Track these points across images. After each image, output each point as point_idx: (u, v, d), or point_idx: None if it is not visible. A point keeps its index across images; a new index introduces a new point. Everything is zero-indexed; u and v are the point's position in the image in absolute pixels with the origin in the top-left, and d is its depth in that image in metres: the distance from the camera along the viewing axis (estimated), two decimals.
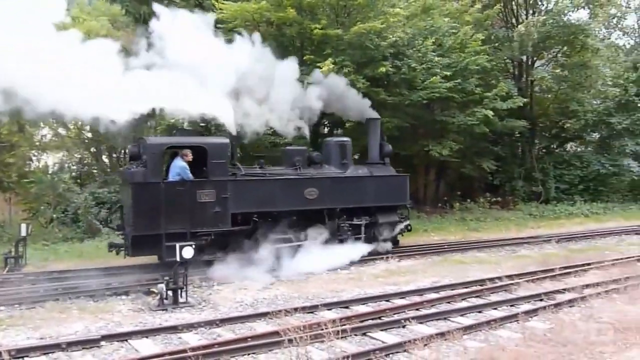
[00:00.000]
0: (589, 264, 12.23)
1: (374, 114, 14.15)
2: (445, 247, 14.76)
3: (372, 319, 8.38)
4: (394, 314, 8.70)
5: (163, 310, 9.04)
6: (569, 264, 12.27)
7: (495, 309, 9.13)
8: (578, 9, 22.74)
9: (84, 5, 17.74)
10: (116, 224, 12.25)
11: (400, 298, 9.79)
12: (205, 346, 6.96)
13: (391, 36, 16.39)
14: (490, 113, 18.32)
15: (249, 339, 7.26)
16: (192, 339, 7.59)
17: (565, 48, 23.09)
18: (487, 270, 11.98)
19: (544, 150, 25.78)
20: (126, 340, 7.51)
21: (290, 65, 12.60)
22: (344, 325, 7.71)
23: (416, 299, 9.67)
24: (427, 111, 18.18)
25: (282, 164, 13.01)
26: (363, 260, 12.98)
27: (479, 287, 10.37)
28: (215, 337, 7.62)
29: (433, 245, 15.21)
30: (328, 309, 9.00)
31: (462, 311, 8.90)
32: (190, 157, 11.40)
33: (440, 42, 18.02)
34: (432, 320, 8.48)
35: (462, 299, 9.72)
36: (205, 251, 11.30)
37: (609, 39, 29.63)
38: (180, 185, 11.09)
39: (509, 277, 11.00)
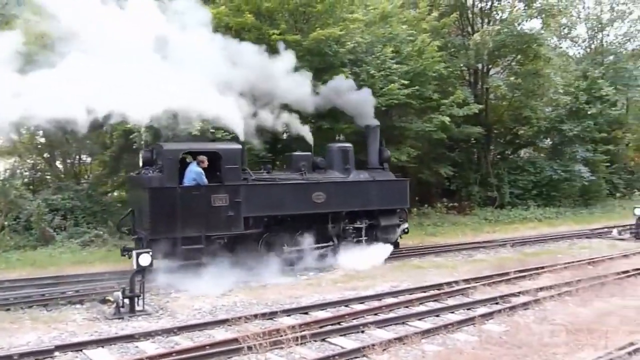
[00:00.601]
0: (542, 268, 12.51)
1: (374, 121, 14.56)
2: (404, 252, 14.89)
3: (331, 325, 8.40)
4: (353, 319, 8.75)
5: (119, 318, 8.87)
6: (524, 267, 12.53)
7: (452, 312, 9.27)
8: (531, 19, 23.33)
9: None
10: (127, 228, 12.47)
11: (359, 303, 9.84)
12: (163, 355, 6.87)
13: (350, 43, 16.51)
14: (447, 119, 18.62)
15: (208, 347, 7.19)
16: (150, 347, 7.47)
17: (519, 57, 23.64)
18: (444, 275, 12.15)
19: (498, 156, 26.31)
20: (81, 350, 7.34)
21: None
22: (303, 331, 7.72)
23: (375, 304, 9.73)
24: (386, 117, 18.31)
25: (288, 169, 13.42)
26: (321, 267, 13.02)
27: (437, 292, 10.52)
28: (173, 346, 7.51)
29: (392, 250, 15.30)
30: (287, 315, 8.99)
31: (420, 315, 9.01)
32: (206, 164, 11.69)
33: (398, 49, 18.23)
34: (390, 324, 8.55)
35: (420, 303, 9.83)
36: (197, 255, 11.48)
37: (561, 48, 30.50)
38: (195, 190, 11.41)
39: (466, 281, 11.15)
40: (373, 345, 7.22)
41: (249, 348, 6.94)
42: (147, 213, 11.01)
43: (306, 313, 9.21)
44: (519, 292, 10.32)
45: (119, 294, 9.03)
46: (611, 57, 30.25)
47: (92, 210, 16.59)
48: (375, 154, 14.50)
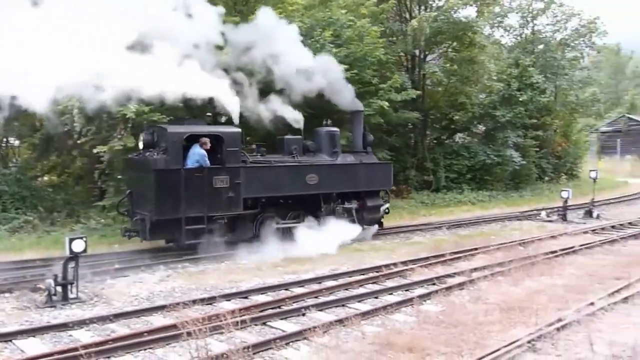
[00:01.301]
0: (476, 249, 12.89)
1: (360, 107, 15.25)
2: None
3: (272, 309, 8.40)
4: (294, 302, 8.78)
5: (51, 307, 8.56)
6: (459, 249, 12.89)
7: (391, 294, 9.44)
8: (466, 7, 23.79)
9: None
10: (124, 209, 12.68)
11: (300, 287, 9.88)
12: (99, 343, 6.68)
13: None
14: (385, 104, 18.76)
15: (146, 334, 7.06)
16: (84, 336, 7.26)
17: (454, 44, 24.05)
18: (383, 257, 12.34)
19: (435, 141, 26.78)
20: (10, 340, 7.06)
21: None
22: (244, 315, 7.68)
23: (315, 287, 9.78)
24: (325, 101, 18.31)
25: (279, 151, 13.79)
26: (262, 250, 12.97)
27: (376, 274, 10.69)
28: (109, 334, 7.33)
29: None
30: (227, 300, 8.93)
31: (360, 297, 9.13)
32: (208, 145, 12.10)
33: (338, 33, 18.21)
34: (331, 307, 8.63)
35: (360, 286, 9.97)
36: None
37: (494, 36, 31.26)
38: (198, 171, 11.81)
39: (404, 263, 11.38)
40: (314, 327, 7.26)
41: (189, 334, 6.83)
42: (152, 194, 11.42)
43: (246, 297, 9.18)
44: (455, 273, 10.61)
45: (51, 281, 8.72)
46: (541, 46, 31.26)
47: (21, 195, 15.85)
48: (359, 138, 15.17)
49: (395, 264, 11.25)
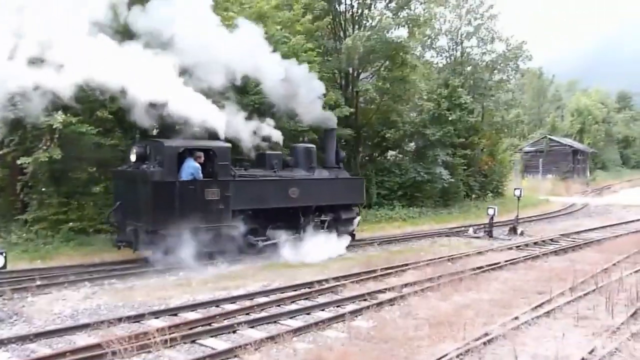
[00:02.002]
0: (406, 265, 13.10)
1: (333, 125, 16.26)
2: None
3: (202, 326, 8.22)
4: (225, 319, 8.63)
5: None
6: (390, 265, 13.04)
7: (323, 310, 9.42)
8: (398, 27, 24.33)
9: None
10: (113, 220, 12.92)
11: (231, 303, 9.74)
12: None
13: None
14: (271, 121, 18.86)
15: (68, 354, 6.75)
16: (1, 357, 6.86)
17: (387, 63, 24.52)
18: (315, 273, 12.32)
19: (367, 158, 27.12)
20: None
21: None
22: (172, 333, 7.49)
23: (246, 303, 9.66)
24: (257, 116, 18.25)
25: (261, 166, 14.41)
26: (193, 266, 12.75)
27: (308, 290, 10.66)
28: (29, 354, 6.98)
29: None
30: (155, 317, 8.68)
31: (291, 314, 9.07)
32: (202, 159, 12.77)
33: (274, 48, 18.21)
34: (262, 324, 8.53)
35: (292, 302, 9.91)
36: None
37: (425, 57, 32.13)
38: (191, 184, 12.36)
39: (336, 279, 11.41)
40: (245, 345, 7.17)
41: (114, 353, 6.60)
42: (149, 205, 11.90)
43: (175, 314, 8.95)
44: (386, 289, 10.71)
45: None
46: (469, 68, 32.37)
47: None
48: (332, 154, 16.08)
49: (327, 280, 11.27)
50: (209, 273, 12.23)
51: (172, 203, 12.01)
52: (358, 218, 16.38)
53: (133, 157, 12.69)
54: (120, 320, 8.31)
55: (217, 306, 9.54)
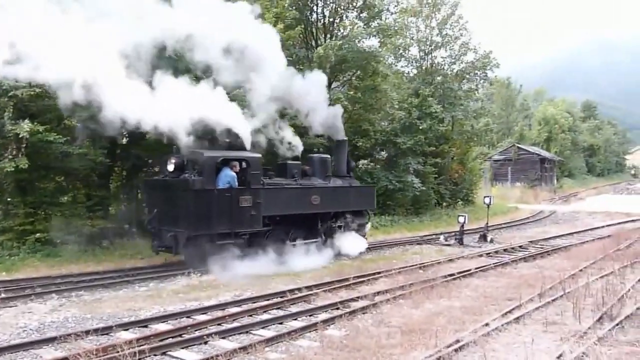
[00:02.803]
0: (379, 273, 13.14)
1: (344, 136, 17.31)
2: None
3: (173, 337, 8.11)
4: (196, 330, 8.52)
5: None
6: (362, 273, 13.07)
7: (295, 319, 9.38)
8: (370, 37, 24.52)
9: None
10: (150, 227, 13.38)
11: (202, 314, 9.64)
12: None
13: None
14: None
15: None
16: None
17: (358, 72, 24.68)
18: (287, 282, 12.28)
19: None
20: None
21: None
22: (142, 345, 7.38)
23: (218, 313, 9.58)
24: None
25: (282, 175, 15.21)
26: (163, 276, 12.64)
27: (280, 299, 10.61)
28: None
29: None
30: (125, 330, 8.54)
31: (264, 324, 9.01)
32: (238, 168, 13.62)
33: None
34: (234, 334, 8.47)
35: (264, 312, 9.85)
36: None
37: (396, 66, 32.40)
38: (227, 192, 13.12)
39: (308, 288, 11.38)
40: (216, 356, 7.10)
41: None
42: (190, 212, 12.57)
43: (145, 326, 8.81)
44: (358, 297, 10.73)
45: None
46: (439, 78, 32.74)
47: None
48: (344, 164, 17.06)
49: (299, 289, 11.23)
50: (180, 283, 12.10)
51: (210, 210, 12.77)
52: (369, 224, 17.78)
53: (171, 167, 13.33)
54: (88, 333, 8.14)
55: (188, 317, 9.43)
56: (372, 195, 17.79)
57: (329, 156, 16.94)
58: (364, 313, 9.77)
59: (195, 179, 12.73)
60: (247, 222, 13.43)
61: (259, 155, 14.15)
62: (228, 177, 13.27)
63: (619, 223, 26.64)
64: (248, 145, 14.03)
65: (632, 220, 27.86)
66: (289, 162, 15.62)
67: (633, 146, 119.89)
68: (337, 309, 10.00)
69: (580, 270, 13.49)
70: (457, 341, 7.80)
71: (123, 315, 9.46)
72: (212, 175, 13.01)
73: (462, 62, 32.82)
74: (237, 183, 13.36)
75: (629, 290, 10.96)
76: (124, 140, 16.31)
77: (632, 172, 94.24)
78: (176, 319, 9.29)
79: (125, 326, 8.67)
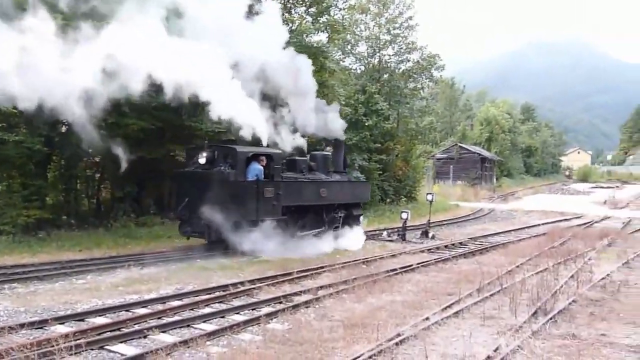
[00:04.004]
0: (322, 267, 13.19)
1: (342, 136, 18.59)
2: (190, 253, 14.64)
3: (111, 331, 7.91)
4: (135, 324, 8.34)
5: None
6: (306, 267, 13.06)
7: (238, 313, 9.32)
8: (318, 32, 24.55)
9: None
10: (182, 215, 14.72)
11: (142, 307, 9.43)
12: None
13: None
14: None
15: None
16: None
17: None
18: (230, 276, 12.18)
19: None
20: None
21: None
22: (79, 339, 7.16)
23: (159, 307, 9.41)
24: (176, 116, 17.86)
25: (292, 170, 16.44)
26: (102, 269, 12.33)
27: (223, 293, 10.49)
28: None
29: (177, 251, 14.98)
30: (60, 323, 8.27)
31: (205, 317, 8.91)
32: (264, 162, 15.08)
33: None
34: (175, 328, 8.33)
35: (206, 305, 9.73)
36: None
37: (344, 62, 32.58)
38: (255, 183, 14.65)
39: (251, 281, 11.30)
40: (156, 350, 6.96)
41: None
42: (224, 201, 13.88)
43: (82, 320, 8.56)
44: (301, 291, 10.74)
45: None
46: (386, 76, 33.14)
47: None
48: (341, 161, 18.67)
49: (242, 283, 11.15)
50: (119, 276, 11.82)
51: (241, 199, 14.29)
52: (362, 216, 19.41)
53: (202, 160, 14.64)
54: (22, 326, 7.85)
55: (128, 311, 9.22)
56: (368, 189, 19.94)
57: (329, 153, 18.68)
58: (307, 307, 9.78)
59: (229, 171, 14.20)
60: (270, 211, 14.96)
61: (281, 151, 15.81)
62: (256, 170, 14.80)
63: (554, 222, 27.58)
64: (265, 142, 15.34)
65: (566, 219, 28.92)
66: (297, 158, 17.01)
67: (568, 148, 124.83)
68: (280, 303, 9.98)
69: (517, 267, 13.91)
70: (398, 335, 7.91)
71: (59, 308, 9.17)
72: (243, 169, 14.56)
73: (408, 61, 33.27)
74: (263, 176, 14.85)
75: (562, 286, 11.36)
76: (64, 129, 15.78)
77: (567, 173, 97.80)
78: (115, 312, 9.07)
79: (61, 320, 8.39)
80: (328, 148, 18.81)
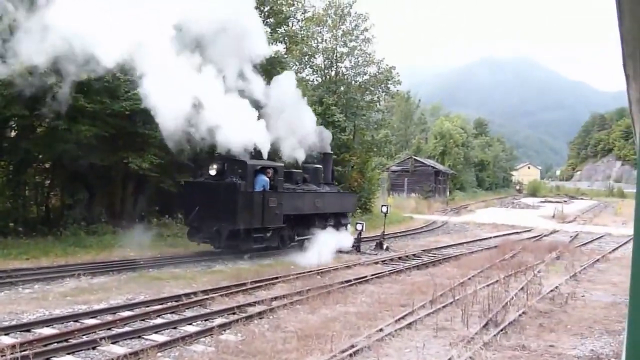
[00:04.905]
0: (277, 278, 13.14)
1: (330, 150, 20.79)
2: (142, 263, 14.37)
3: (58, 342, 7.70)
4: (84, 335, 8.15)
5: None
6: (260, 278, 12.99)
7: (190, 324, 9.21)
8: (276, 43, 24.59)
9: None
10: (191, 222, 15.85)
11: (91, 318, 9.23)
12: None
13: None
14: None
15: None
16: None
17: (264, 77, 24.61)
18: (182, 286, 12.02)
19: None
20: None
21: None
22: (25, 350, 6.93)
23: (109, 318, 9.22)
24: (129, 122, 17.56)
25: (288, 181, 17.73)
26: (50, 278, 11.98)
27: (175, 303, 10.35)
28: None
29: (128, 261, 14.67)
30: (5, 334, 8.00)
31: (157, 328, 8.77)
32: (271, 174, 16.44)
33: None
34: (125, 339, 8.18)
35: (158, 316, 9.58)
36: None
37: (301, 74, 32.66)
38: (261, 194, 15.91)
39: (204, 292, 11.18)
40: None
41: None
42: (235, 210, 15.24)
43: (28, 330, 8.30)
44: (255, 302, 10.69)
45: None
46: (343, 87, 33.37)
47: None
48: (329, 174, 20.33)
49: (195, 293, 11.02)
50: (68, 286, 11.53)
51: (249, 208, 15.47)
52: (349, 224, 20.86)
53: (213, 172, 15.88)
54: None
55: (76, 321, 9.00)
56: (354, 200, 21.88)
57: (320, 166, 19.85)
58: (260, 318, 9.73)
59: (240, 182, 15.45)
60: (273, 219, 16.31)
61: (283, 164, 17.51)
62: (263, 181, 16.13)
63: (505, 234, 28.18)
64: (265, 155, 16.72)
65: (517, 232, 29.61)
66: (293, 170, 18.48)
67: (518, 163, 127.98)
68: (234, 313, 9.90)
69: (469, 279, 14.15)
70: (352, 346, 7.93)
71: (3, 318, 8.88)
72: (252, 180, 15.83)
73: (365, 74, 33.60)
74: (268, 187, 16.13)
75: (512, 298, 11.62)
76: (12, 134, 15.34)
77: (517, 187, 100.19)
78: (62, 323, 8.84)
79: (6, 330, 8.13)
80: (317, 160, 20.16)
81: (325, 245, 17.59)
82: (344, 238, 19.26)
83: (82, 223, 18.00)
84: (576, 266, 16.91)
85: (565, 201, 61.69)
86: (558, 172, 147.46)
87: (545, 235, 28.24)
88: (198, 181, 16.57)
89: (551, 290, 12.91)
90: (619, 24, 1.68)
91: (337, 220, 19.84)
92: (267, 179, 16.23)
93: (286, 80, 18.38)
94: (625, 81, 2.12)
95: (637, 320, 1.74)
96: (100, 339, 7.88)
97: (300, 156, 18.47)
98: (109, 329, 8.61)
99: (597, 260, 18.99)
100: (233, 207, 15.21)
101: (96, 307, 9.90)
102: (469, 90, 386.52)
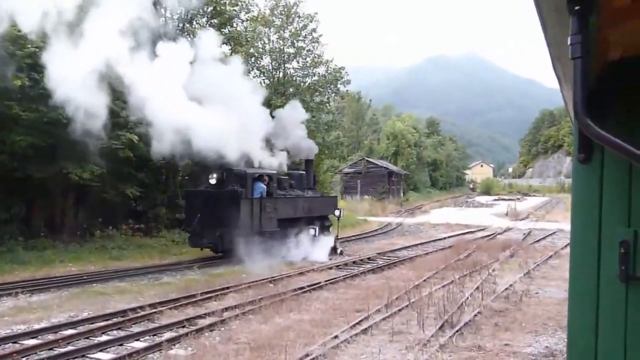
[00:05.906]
0: (228, 288, 12.75)
1: (312, 156, 22.46)
2: (85, 278, 13.78)
3: None
4: (23, 357, 7.68)
5: None
6: (210, 288, 12.60)
7: (137, 340, 8.85)
8: (221, 45, 24.11)
9: None
10: (191, 229, 16.99)
11: (31, 338, 8.73)
12: None
13: (30, 46, 14.82)
14: (135, 138, 17.96)
15: None
16: None
17: None
18: (129, 300, 11.54)
19: (186, 178, 26.34)
20: None
21: None
22: None
23: (50, 337, 8.74)
24: (66, 132, 16.82)
25: (278, 187, 18.92)
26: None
27: (121, 319, 9.91)
28: None
29: (70, 276, 14.02)
30: None
31: (102, 346, 8.40)
32: (267, 181, 17.84)
33: None
34: (68, 359, 7.71)
35: (103, 333, 9.16)
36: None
37: (248, 76, 32.20)
38: (259, 200, 17.25)
39: (152, 305, 10.76)
40: None
41: None
42: (235, 216, 16.32)
43: None
44: (206, 314, 10.34)
45: None
46: (291, 89, 33.10)
47: None
48: (311, 179, 21.86)
49: (142, 307, 10.58)
50: (5, 305, 10.88)
51: (249, 214, 16.70)
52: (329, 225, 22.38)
53: (213, 181, 17.08)
54: None
55: (15, 342, 8.50)
56: (335, 203, 22.73)
57: (304, 172, 21.55)
58: (211, 330, 9.40)
59: (241, 190, 16.72)
60: (269, 223, 17.56)
61: (276, 171, 18.69)
62: (260, 188, 17.47)
63: (459, 234, 28.40)
64: (256, 163, 18.01)
65: (471, 232, 29.85)
66: (282, 176, 19.67)
67: (471, 161, 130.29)
68: (183, 327, 9.55)
69: (424, 280, 14.07)
70: (307, 355, 7.70)
71: None
72: (251, 188, 17.08)
73: (314, 75, 33.43)
74: (265, 194, 17.44)
75: (468, 298, 11.57)
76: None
77: (471, 186, 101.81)
78: (0, 345, 8.28)
79: None
80: (302, 167, 21.95)
81: (318, 246, 18.89)
82: (327, 240, 20.00)
83: (20, 238, 17.12)
84: (530, 263, 17.09)
85: (518, 199, 62.82)
86: (510, 170, 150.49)
87: (499, 234, 28.58)
88: (199, 190, 17.78)
89: (506, 289, 12.94)
90: (543, 30, 1.75)
91: (322, 222, 21.27)
92: (264, 186, 17.50)
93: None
94: (557, 82, 2.17)
95: (575, 317, 1.89)
96: None
97: (283, 161, 19.94)
98: (51, 349, 8.20)
99: (550, 256, 19.26)
100: (235, 213, 16.33)
101: (36, 326, 9.40)
102: (420, 90, 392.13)
